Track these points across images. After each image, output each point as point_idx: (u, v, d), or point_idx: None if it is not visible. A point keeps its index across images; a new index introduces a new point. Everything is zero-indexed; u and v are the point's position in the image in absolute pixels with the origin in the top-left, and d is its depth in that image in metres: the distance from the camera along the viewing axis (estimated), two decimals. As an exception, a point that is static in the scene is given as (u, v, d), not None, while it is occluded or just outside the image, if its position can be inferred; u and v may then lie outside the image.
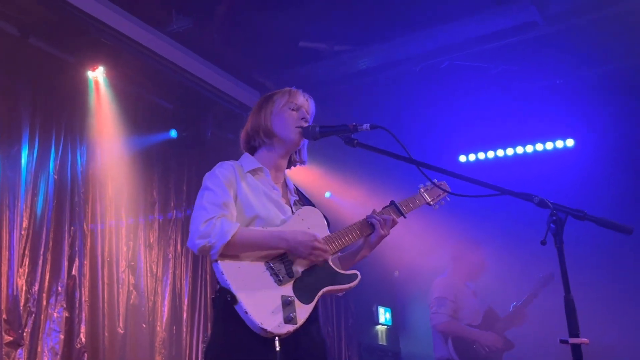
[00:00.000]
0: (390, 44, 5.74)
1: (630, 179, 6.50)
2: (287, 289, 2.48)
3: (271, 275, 2.49)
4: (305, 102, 2.82)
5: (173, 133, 5.97)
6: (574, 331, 2.00)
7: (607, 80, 5.97)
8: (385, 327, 8.25)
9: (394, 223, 2.80)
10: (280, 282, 2.48)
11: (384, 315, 8.22)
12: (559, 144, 6.91)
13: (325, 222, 2.76)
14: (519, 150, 7.08)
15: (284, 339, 2.38)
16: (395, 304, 8.41)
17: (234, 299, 2.38)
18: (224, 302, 2.41)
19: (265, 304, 2.39)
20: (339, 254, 2.80)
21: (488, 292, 5.85)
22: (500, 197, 2.39)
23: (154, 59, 5.13)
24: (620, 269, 6.42)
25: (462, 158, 7.36)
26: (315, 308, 2.56)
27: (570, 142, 6.87)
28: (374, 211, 2.82)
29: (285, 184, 2.84)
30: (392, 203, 2.87)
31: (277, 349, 2.34)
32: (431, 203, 3.02)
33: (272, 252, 2.53)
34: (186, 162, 6.35)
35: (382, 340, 8.25)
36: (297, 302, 2.45)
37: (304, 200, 2.84)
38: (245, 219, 2.57)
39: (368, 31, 5.57)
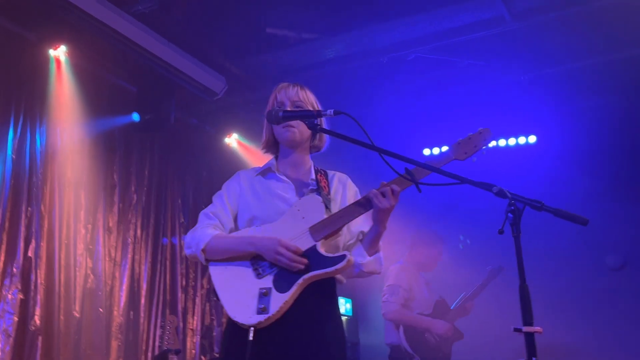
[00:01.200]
0: (358, 34, 5.71)
1: (591, 176, 6.60)
2: (266, 281, 2.54)
3: (253, 270, 2.58)
4: (285, 96, 2.83)
5: (135, 116, 5.88)
6: (528, 320, 2.01)
7: (571, 77, 6.04)
8: (346, 317, 8.26)
9: (396, 192, 2.61)
10: (259, 275, 2.56)
11: (344, 305, 8.23)
12: (522, 140, 6.98)
13: (324, 210, 2.67)
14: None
15: (264, 330, 2.44)
16: (355, 294, 8.42)
17: (217, 298, 2.59)
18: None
19: (241, 298, 2.52)
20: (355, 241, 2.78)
21: (440, 283, 5.90)
22: (461, 191, 2.40)
23: (118, 39, 5.03)
24: (574, 262, 6.55)
25: (427, 151, 7.40)
26: (309, 298, 2.52)
27: (532, 139, 6.94)
28: (382, 184, 2.67)
29: (308, 175, 2.83)
30: (406, 171, 2.65)
31: (250, 338, 2.43)
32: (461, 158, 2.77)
33: None
34: (148, 146, 6.28)
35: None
36: (273, 293, 2.49)
37: (320, 189, 2.78)
38: (244, 220, 2.71)
39: (336, 20, 5.54)
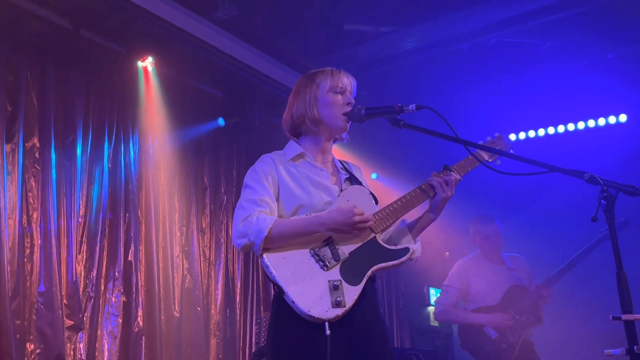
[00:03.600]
0: (436, 23, 5.67)
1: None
2: (334, 273, 2.50)
3: (317, 261, 2.51)
4: (348, 83, 2.80)
5: (221, 121, 6.07)
6: (627, 307, 1.98)
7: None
8: (438, 307, 8.22)
9: (456, 181, 2.73)
10: (326, 267, 2.50)
11: (435, 296, 8.20)
12: (612, 119, 6.74)
13: (373, 200, 2.75)
14: (570, 127, 6.93)
15: (335, 323, 2.41)
16: (447, 285, 8.37)
17: (281, 290, 2.45)
18: (275, 293, 2.51)
19: (311, 291, 2.44)
20: (402, 226, 2.78)
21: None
22: (549, 176, 2.37)
23: (201, 46, 5.19)
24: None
25: (512, 137, 7.26)
26: (368, 288, 2.57)
27: (623, 118, 6.70)
28: (444, 167, 2.77)
29: (334, 164, 2.84)
30: (445, 167, 2.79)
31: (327, 333, 2.37)
32: (490, 160, 2.89)
33: (316, 237, 2.55)
34: (235, 148, 6.44)
35: (434, 321, 8.22)
36: (344, 285, 2.47)
37: (353, 178, 2.82)
38: (290, 209, 2.61)
39: (413, 11, 5.51)
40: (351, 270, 2.52)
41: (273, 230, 2.47)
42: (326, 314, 2.40)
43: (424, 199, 2.73)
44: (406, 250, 2.66)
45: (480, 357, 5.15)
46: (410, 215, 2.77)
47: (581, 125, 6.87)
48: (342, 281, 2.48)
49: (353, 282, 2.50)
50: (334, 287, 2.45)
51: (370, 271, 2.56)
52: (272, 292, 2.60)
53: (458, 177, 2.74)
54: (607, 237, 5.13)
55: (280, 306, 2.50)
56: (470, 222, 5.63)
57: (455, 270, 5.49)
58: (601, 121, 6.78)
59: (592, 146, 6.57)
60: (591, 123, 6.82)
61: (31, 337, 4.41)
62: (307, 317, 2.40)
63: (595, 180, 2.16)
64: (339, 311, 2.42)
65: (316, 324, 2.40)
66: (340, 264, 2.52)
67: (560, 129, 6.99)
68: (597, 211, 2.10)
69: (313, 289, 2.44)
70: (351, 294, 2.47)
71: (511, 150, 2.89)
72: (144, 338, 5.10)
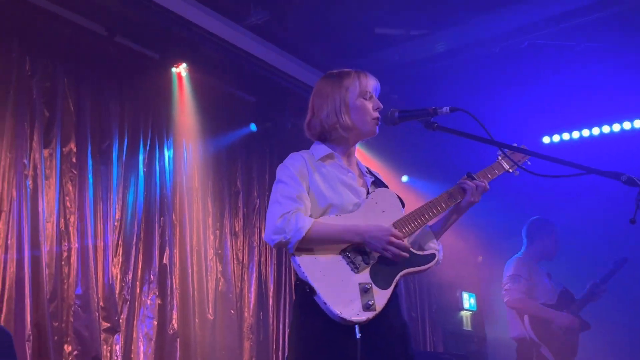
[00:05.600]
0: (468, 26, 5.65)
1: None
2: (364, 276, 2.50)
3: (347, 263, 2.51)
4: (375, 86, 2.78)
5: (253, 127, 6.12)
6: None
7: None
8: (470, 312, 8.18)
9: (485, 189, 2.75)
10: (356, 269, 2.50)
11: (468, 300, 8.16)
12: (648, 121, 6.65)
13: (400, 204, 2.75)
14: (605, 129, 6.85)
15: (363, 326, 2.41)
16: (480, 289, 8.32)
17: (312, 291, 2.43)
18: (304, 293, 2.47)
19: (343, 293, 2.43)
20: (427, 229, 2.79)
21: (561, 275, 5.72)
22: (582, 180, 2.35)
23: (234, 52, 5.26)
24: None
25: (546, 139, 7.19)
26: (394, 292, 2.57)
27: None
28: (467, 175, 2.77)
29: (358, 167, 2.84)
30: (469, 175, 2.79)
31: (358, 336, 2.37)
32: (510, 170, 2.88)
33: None
34: (267, 152, 6.48)
35: (467, 325, 8.19)
36: (374, 289, 2.48)
37: (378, 182, 2.83)
38: (320, 208, 2.60)
39: (445, 14, 5.51)
40: (380, 273, 2.53)
41: (312, 231, 2.46)
42: (357, 316, 2.40)
43: (452, 203, 2.74)
44: (433, 256, 2.69)
45: (553, 350, 5.23)
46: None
47: (616, 127, 6.78)
48: (373, 284, 2.49)
49: (383, 285, 2.51)
50: (365, 290, 2.45)
51: (398, 275, 2.57)
52: (293, 293, 2.60)
53: (487, 186, 2.77)
54: None
55: (307, 307, 2.47)
56: (536, 222, 5.64)
57: (520, 264, 5.52)
58: (637, 123, 6.69)
59: (627, 149, 6.48)
60: (627, 125, 6.73)
61: (69, 338, 4.49)
62: (339, 319, 2.39)
63: (633, 182, 2.14)
64: (370, 314, 2.42)
65: (345, 327, 2.40)
66: (370, 267, 2.53)
67: (595, 131, 6.91)
68: (636, 213, 2.08)
69: (344, 291, 2.44)
70: (381, 297, 2.48)
71: (528, 162, 2.89)
72: (178, 340, 5.15)
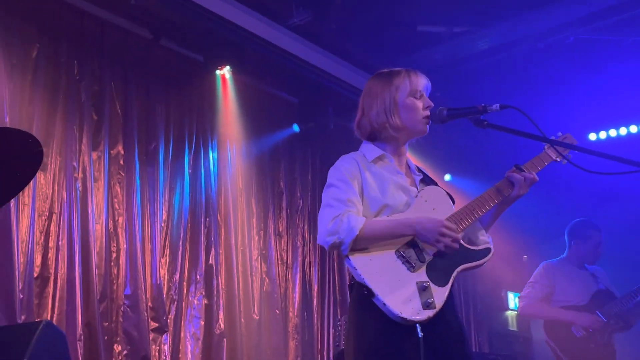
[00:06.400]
0: (511, 22, 5.59)
1: None
2: (421, 274, 2.48)
3: (403, 263, 2.49)
4: (425, 85, 2.75)
5: (296, 127, 6.15)
6: None
7: None
8: (515, 312, 8.08)
9: (534, 181, 2.71)
10: (412, 268, 2.48)
11: (513, 300, 8.06)
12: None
13: (450, 201, 2.73)
14: (653, 125, 6.71)
15: (423, 325, 2.39)
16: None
17: (370, 292, 2.42)
18: (361, 295, 2.46)
19: (401, 292, 2.42)
20: (477, 223, 2.75)
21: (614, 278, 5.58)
22: (631, 179, 2.30)
23: (277, 53, 5.28)
24: None
25: (592, 136, 7.06)
26: (451, 290, 2.55)
27: None
28: (515, 167, 2.73)
29: (408, 165, 2.83)
30: (517, 166, 2.75)
31: (420, 335, 2.36)
32: (557, 159, 2.82)
33: (400, 239, 2.53)
34: (310, 153, 6.50)
35: (513, 325, 8.09)
36: (432, 287, 2.46)
37: (427, 179, 2.81)
38: (374, 209, 2.58)
39: (487, 10, 5.45)
40: (437, 271, 2.51)
41: (364, 230, 2.45)
42: (417, 315, 2.38)
43: (500, 198, 2.71)
44: (488, 250, 2.67)
45: (567, 353, 5.08)
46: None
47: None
48: (430, 282, 2.47)
49: (440, 283, 2.49)
50: (423, 289, 2.44)
51: (455, 272, 2.55)
52: (348, 294, 2.59)
53: (536, 177, 2.73)
54: None
55: (365, 309, 2.46)
56: (578, 225, 5.51)
57: (542, 270, 5.41)
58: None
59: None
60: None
61: (118, 338, 4.56)
62: (399, 319, 2.37)
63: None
64: (430, 312, 2.40)
65: (406, 327, 2.39)
66: (425, 265, 2.51)
67: (643, 127, 6.77)
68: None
69: (402, 290, 2.42)
70: (440, 295, 2.46)
71: (569, 155, 2.82)
72: (225, 340, 5.20)
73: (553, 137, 2.77)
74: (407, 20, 5.58)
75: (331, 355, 5.92)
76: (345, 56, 5.83)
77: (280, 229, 6.04)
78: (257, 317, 5.55)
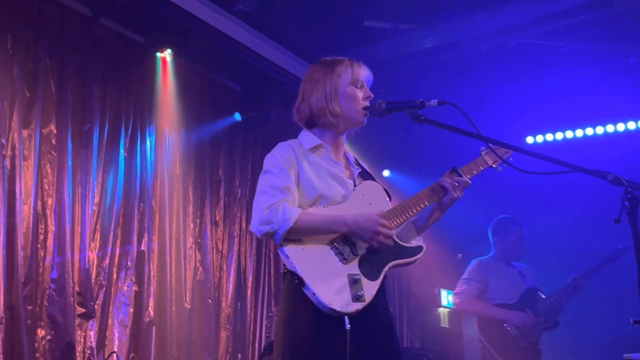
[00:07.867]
0: (456, 23, 5.65)
1: None
2: (353, 267, 2.49)
3: (336, 254, 2.50)
4: (367, 76, 2.77)
5: (237, 116, 6.06)
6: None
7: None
8: (448, 309, 8.20)
9: (467, 184, 2.76)
10: (345, 260, 2.49)
11: (446, 298, 8.18)
12: (631, 125, 6.68)
13: (387, 197, 2.75)
14: (589, 131, 6.88)
15: (352, 317, 2.40)
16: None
17: (301, 282, 2.42)
18: (292, 284, 2.46)
19: (332, 284, 2.42)
20: (410, 223, 2.78)
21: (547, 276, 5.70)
22: (568, 180, 2.34)
23: (221, 38, 5.19)
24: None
25: (530, 139, 7.21)
26: (383, 284, 2.56)
27: (644, 123, 6.64)
28: (452, 170, 2.79)
29: (346, 157, 2.83)
30: (454, 169, 2.80)
31: (347, 327, 2.37)
32: (493, 165, 2.86)
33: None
34: (251, 142, 6.43)
35: (445, 322, 8.21)
36: (363, 280, 2.47)
37: (365, 173, 2.82)
38: (309, 198, 2.58)
39: (434, 10, 5.50)
40: (369, 265, 2.52)
41: (299, 222, 2.45)
42: (347, 307, 2.39)
43: (434, 199, 2.74)
44: (420, 248, 2.71)
45: (499, 351, 5.15)
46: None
47: (600, 130, 6.81)
48: (361, 275, 2.48)
49: (371, 277, 2.50)
50: (354, 281, 2.45)
51: (387, 267, 2.57)
52: (273, 283, 2.59)
53: (468, 181, 2.77)
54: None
55: (295, 298, 2.46)
56: (498, 222, 5.59)
57: (475, 266, 5.49)
58: (620, 126, 6.72)
59: (610, 152, 6.51)
60: (610, 128, 6.76)
61: (42, 323, 4.42)
62: (328, 310, 2.38)
63: (620, 182, 2.13)
64: (359, 305, 2.42)
65: (334, 318, 2.39)
66: (358, 258, 2.52)
67: (579, 133, 6.94)
68: (621, 212, 2.07)
69: (333, 282, 2.43)
70: (370, 288, 2.48)
71: (511, 158, 2.85)
72: (154, 328, 5.11)
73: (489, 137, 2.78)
74: (354, 15, 5.58)
75: (262, 346, 5.89)
76: (290, 46, 5.78)
77: (217, 218, 5.96)
78: (189, 306, 5.47)
